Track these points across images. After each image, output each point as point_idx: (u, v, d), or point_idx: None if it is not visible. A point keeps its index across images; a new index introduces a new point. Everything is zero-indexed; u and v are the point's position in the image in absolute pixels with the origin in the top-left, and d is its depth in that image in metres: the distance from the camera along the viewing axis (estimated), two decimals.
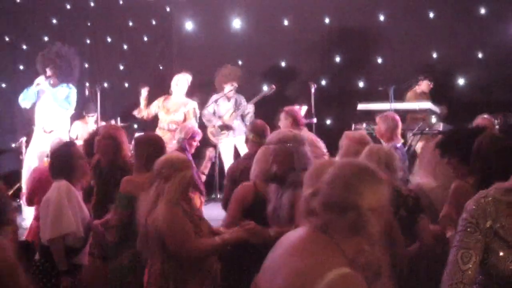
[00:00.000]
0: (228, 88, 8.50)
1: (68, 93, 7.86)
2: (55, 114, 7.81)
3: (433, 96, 8.50)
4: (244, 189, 3.89)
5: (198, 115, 8.17)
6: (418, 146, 8.06)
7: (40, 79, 7.83)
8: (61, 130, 7.83)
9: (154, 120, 8.26)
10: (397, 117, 5.93)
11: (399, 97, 8.27)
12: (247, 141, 5.28)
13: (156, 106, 8.12)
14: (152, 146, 4.37)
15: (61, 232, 3.94)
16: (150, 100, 8.24)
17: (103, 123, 8.72)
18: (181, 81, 8.12)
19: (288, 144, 3.56)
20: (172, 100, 8.10)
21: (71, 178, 4.17)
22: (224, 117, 8.45)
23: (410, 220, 3.59)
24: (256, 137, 5.04)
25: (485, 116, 6.24)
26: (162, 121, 7.99)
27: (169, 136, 7.41)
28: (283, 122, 6.04)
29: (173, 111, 7.97)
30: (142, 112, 8.21)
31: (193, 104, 8.11)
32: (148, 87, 8.27)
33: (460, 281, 2.24)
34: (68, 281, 3.97)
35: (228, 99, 8.56)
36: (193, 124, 7.72)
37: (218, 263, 3.66)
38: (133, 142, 4.80)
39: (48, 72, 7.86)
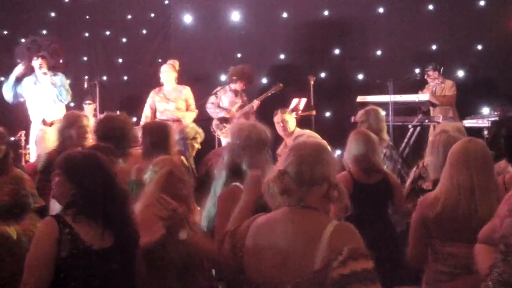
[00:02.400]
0: (238, 85, 8.45)
1: (61, 81, 7.62)
2: (52, 105, 7.58)
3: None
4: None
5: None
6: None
7: (19, 68, 7.62)
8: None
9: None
10: (381, 112, 5.49)
11: (398, 90, 8.26)
12: None
13: (152, 100, 7.95)
14: (156, 132, 4.40)
15: None
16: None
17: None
18: (168, 68, 8.03)
19: None
20: (166, 89, 7.93)
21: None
22: (232, 110, 8.40)
23: None
24: None
25: None
26: (165, 112, 7.79)
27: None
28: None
29: (173, 98, 7.84)
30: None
31: (187, 89, 7.98)
32: None
33: None
34: None
35: (235, 93, 8.52)
36: (191, 117, 7.74)
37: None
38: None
39: (40, 60, 7.57)
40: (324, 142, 2.55)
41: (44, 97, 7.55)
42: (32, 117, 7.72)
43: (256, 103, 8.36)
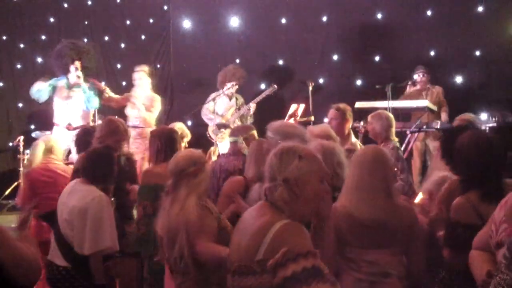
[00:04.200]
0: (228, 86, 8.46)
1: (90, 87, 7.69)
2: (81, 110, 7.61)
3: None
4: (234, 183, 4.17)
5: (159, 109, 8.09)
6: (421, 145, 8.11)
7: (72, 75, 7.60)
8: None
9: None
10: (391, 115, 5.69)
11: (397, 95, 8.29)
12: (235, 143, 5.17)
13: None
14: (162, 138, 4.51)
15: (100, 247, 3.81)
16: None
17: (99, 122, 8.72)
18: (143, 75, 8.08)
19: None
20: (139, 100, 7.98)
21: (106, 185, 4.06)
22: (227, 115, 8.41)
23: None
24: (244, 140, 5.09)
25: (465, 116, 5.54)
26: (130, 118, 7.90)
27: (135, 133, 7.53)
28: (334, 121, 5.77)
29: (138, 106, 7.90)
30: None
31: (156, 97, 8.08)
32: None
33: None
34: None
35: (229, 97, 8.53)
36: (153, 116, 7.85)
37: None
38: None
39: (77, 65, 7.65)
40: (294, 144, 2.61)
41: (74, 102, 7.57)
42: (58, 120, 7.67)
43: (252, 106, 8.38)
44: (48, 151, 5.40)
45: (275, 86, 8.43)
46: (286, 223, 2.36)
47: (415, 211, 3.42)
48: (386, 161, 3.29)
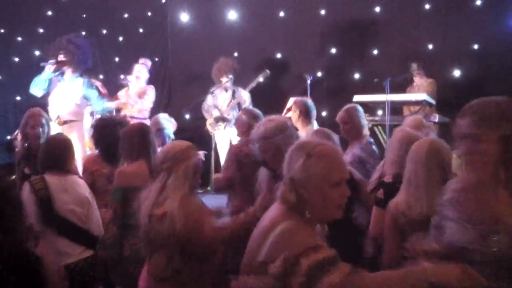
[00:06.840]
0: (224, 80, 8.45)
1: (88, 91, 7.41)
2: (71, 105, 7.30)
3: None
4: None
5: (152, 99, 7.99)
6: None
7: (50, 66, 7.30)
8: (77, 123, 7.36)
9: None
10: (360, 108, 5.23)
11: (395, 89, 8.28)
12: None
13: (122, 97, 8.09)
14: (133, 135, 4.29)
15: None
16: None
17: (98, 116, 8.69)
18: (143, 71, 8.05)
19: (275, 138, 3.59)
20: (133, 90, 7.97)
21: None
22: (222, 108, 8.40)
23: None
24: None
25: None
26: (125, 111, 7.83)
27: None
28: (292, 114, 5.84)
29: (132, 96, 7.88)
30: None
31: (150, 87, 8.01)
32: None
33: None
34: None
35: (226, 90, 8.52)
36: (145, 106, 7.80)
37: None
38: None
39: (61, 58, 7.35)
40: (307, 140, 2.56)
41: (64, 96, 7.30)
42: (50, 113, 7.34)
43: (245, 94, 8.32)
44: None
45: (268, 71, 8.35)
46: (288, 224, 2.24)
47: None
48: (441, 154, 3.27)
